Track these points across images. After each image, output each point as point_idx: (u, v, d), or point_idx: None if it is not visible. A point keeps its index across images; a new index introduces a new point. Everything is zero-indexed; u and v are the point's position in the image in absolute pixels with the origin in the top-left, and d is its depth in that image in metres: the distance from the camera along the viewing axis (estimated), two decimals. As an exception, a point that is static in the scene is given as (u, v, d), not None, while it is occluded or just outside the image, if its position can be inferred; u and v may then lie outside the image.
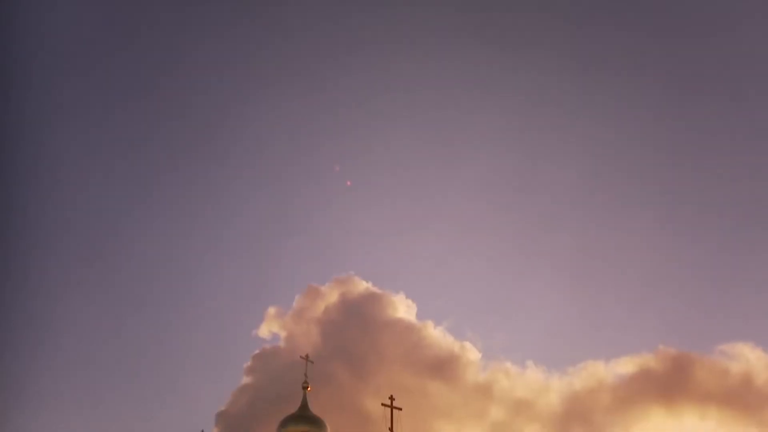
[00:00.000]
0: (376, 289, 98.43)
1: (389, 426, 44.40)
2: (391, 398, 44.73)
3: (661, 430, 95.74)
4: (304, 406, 55.04)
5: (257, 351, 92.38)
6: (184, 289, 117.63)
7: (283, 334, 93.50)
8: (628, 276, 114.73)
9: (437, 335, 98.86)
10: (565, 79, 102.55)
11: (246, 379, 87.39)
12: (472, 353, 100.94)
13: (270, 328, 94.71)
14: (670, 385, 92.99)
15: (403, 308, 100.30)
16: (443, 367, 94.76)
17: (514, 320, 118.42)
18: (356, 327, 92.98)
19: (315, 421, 54.10)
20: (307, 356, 56.69)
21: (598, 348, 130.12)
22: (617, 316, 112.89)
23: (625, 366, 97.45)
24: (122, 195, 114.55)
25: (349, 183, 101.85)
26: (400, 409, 44.49)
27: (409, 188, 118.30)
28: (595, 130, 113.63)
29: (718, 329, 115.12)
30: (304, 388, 55.80)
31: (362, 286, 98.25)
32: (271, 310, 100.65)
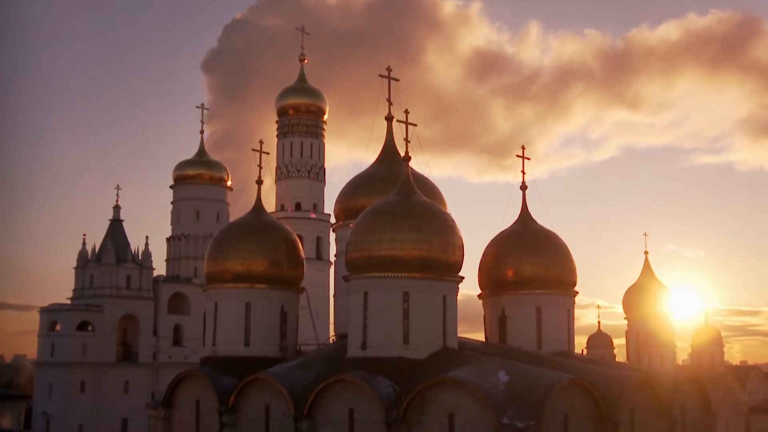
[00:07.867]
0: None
1: (387, 98, 43.04)
2: (389, 69, 42.83)
3: (701, 94, 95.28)
4: (302, 78, 54.06)
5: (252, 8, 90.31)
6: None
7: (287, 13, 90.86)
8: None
9: (474, 20, 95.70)
10: None
11: (239, 36, 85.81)
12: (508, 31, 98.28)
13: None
14: (718, 51, 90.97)
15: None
16: (476, 55, 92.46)
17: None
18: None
19: (313, 93, 53.43)
20: (302, 27, 54.39)
21: (646, 11, 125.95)
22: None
23: (674, 31, 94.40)
24: None
25: None
26: (397, 80, 42.78)
27: None
28: None
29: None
30: (301, 60, 54.35)
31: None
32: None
